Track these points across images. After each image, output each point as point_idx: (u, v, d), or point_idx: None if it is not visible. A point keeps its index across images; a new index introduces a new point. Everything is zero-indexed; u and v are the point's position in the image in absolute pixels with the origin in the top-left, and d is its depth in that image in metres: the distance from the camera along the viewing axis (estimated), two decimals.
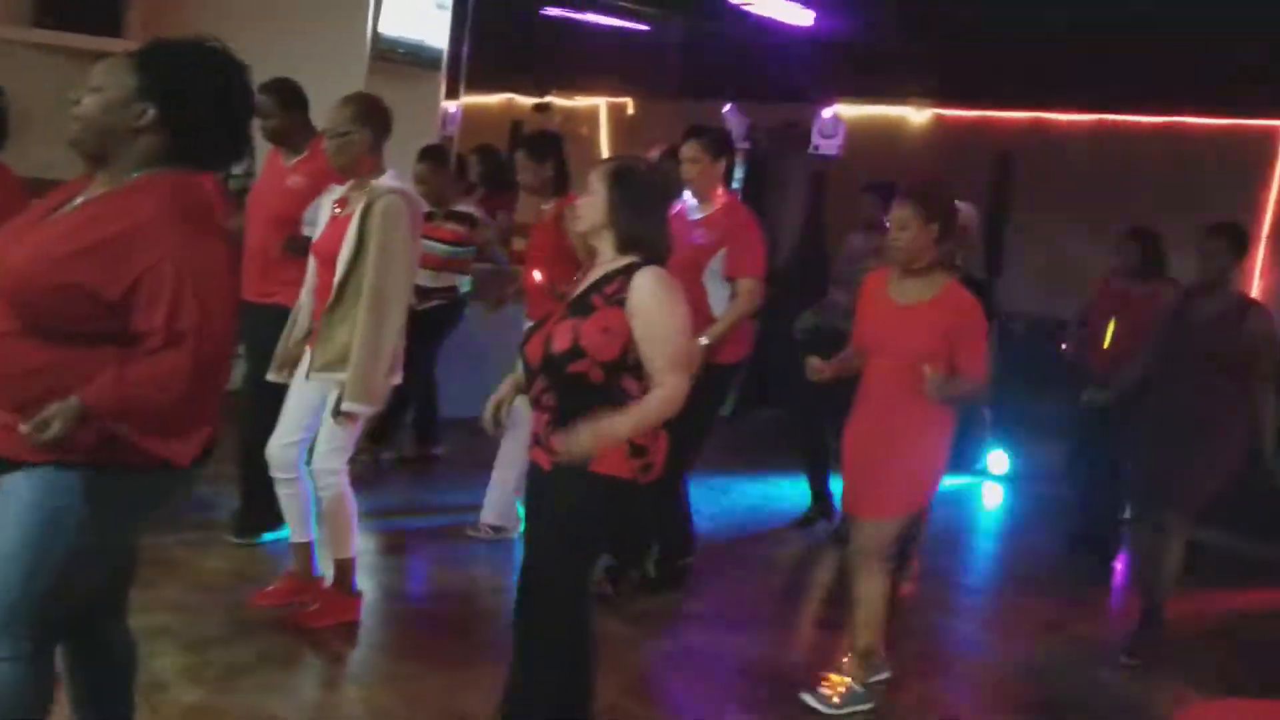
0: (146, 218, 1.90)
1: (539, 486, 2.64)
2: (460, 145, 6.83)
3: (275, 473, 3.45)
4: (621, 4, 6.56)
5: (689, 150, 3.90)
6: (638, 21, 7.17)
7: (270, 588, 3.57)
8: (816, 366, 3.39)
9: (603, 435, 2.41)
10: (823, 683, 3.39)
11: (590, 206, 2.58)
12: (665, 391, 2.46)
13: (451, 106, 6.35)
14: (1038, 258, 7.80)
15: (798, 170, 9.03)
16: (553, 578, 2.59)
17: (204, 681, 3.01)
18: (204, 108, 2.01)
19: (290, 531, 3.60)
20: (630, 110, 10.06)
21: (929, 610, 4.50)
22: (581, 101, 10.21)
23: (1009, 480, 6.83)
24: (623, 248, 2.55)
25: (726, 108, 8.24)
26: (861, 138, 8.42)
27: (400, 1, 5.83)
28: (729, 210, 4.01)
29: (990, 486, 6.80)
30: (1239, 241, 4.15)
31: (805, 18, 6.45)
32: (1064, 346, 5.84)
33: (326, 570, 3.54)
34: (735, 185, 8.62)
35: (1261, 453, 4.08)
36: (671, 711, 3.50)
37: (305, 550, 3.57)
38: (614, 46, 8.65)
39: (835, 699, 3.32)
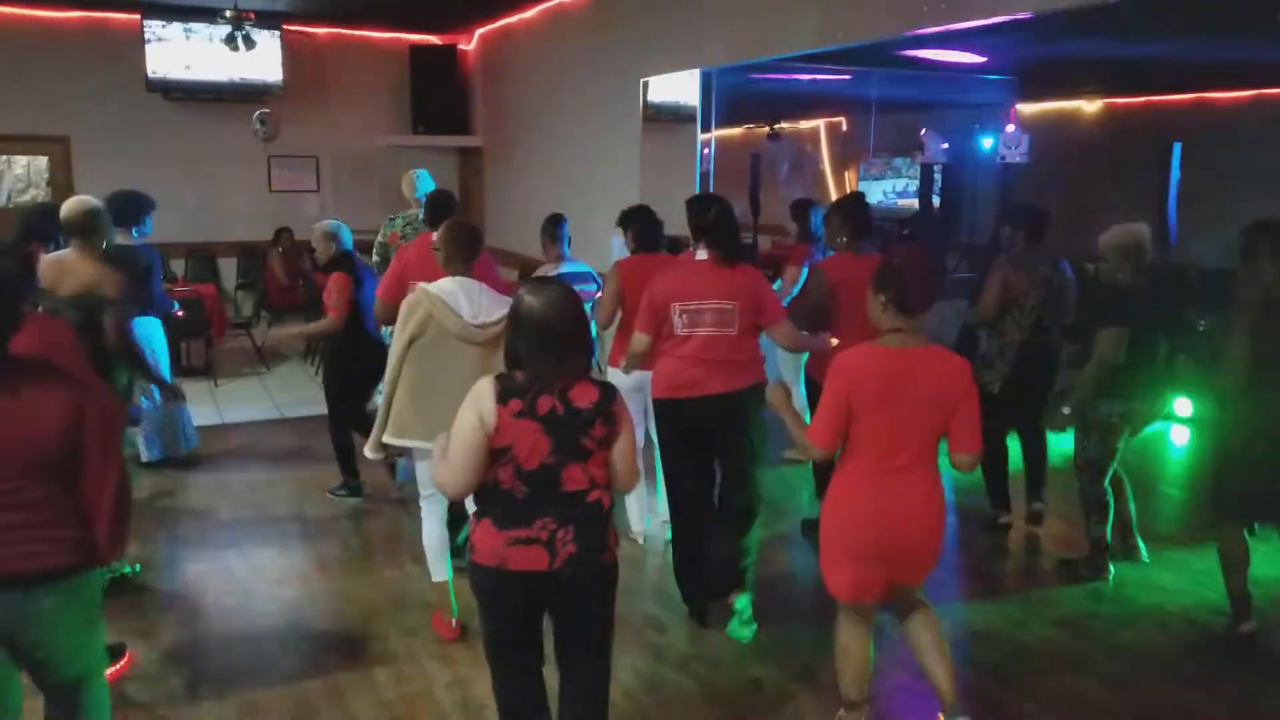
0: None
1: None
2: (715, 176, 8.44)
3: None
4: (825, 66, 8.13)
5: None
6: (840, 74, 8.75)
7: None
8: None
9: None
10: None
11: None
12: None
13: (705, 149, 7.76)
14: (1209, 219, 7.99)
15: (989, 167, 10.01)
16: None
17: None
18: None
19: None
20: (844, 127, 11.71)
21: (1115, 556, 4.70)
22: (805, 124, 12.01)
23: (1195, 422, 7.11)
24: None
25: (923, 131, 9.62)
26: (1040, 131, 9.30)
27: (661, 81, 7.93)
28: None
29: (1178, 429, 7.20)
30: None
31: (978, 59, 7.57)
32: None
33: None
34: (936, 186, 9.85)
35: None
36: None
37: None
38: (827, 80, 9.92)
39: None
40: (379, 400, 5.85)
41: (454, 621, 4.03)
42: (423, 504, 4.00)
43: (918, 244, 8.59)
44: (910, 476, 2.99)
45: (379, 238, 5.84)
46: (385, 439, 3.78)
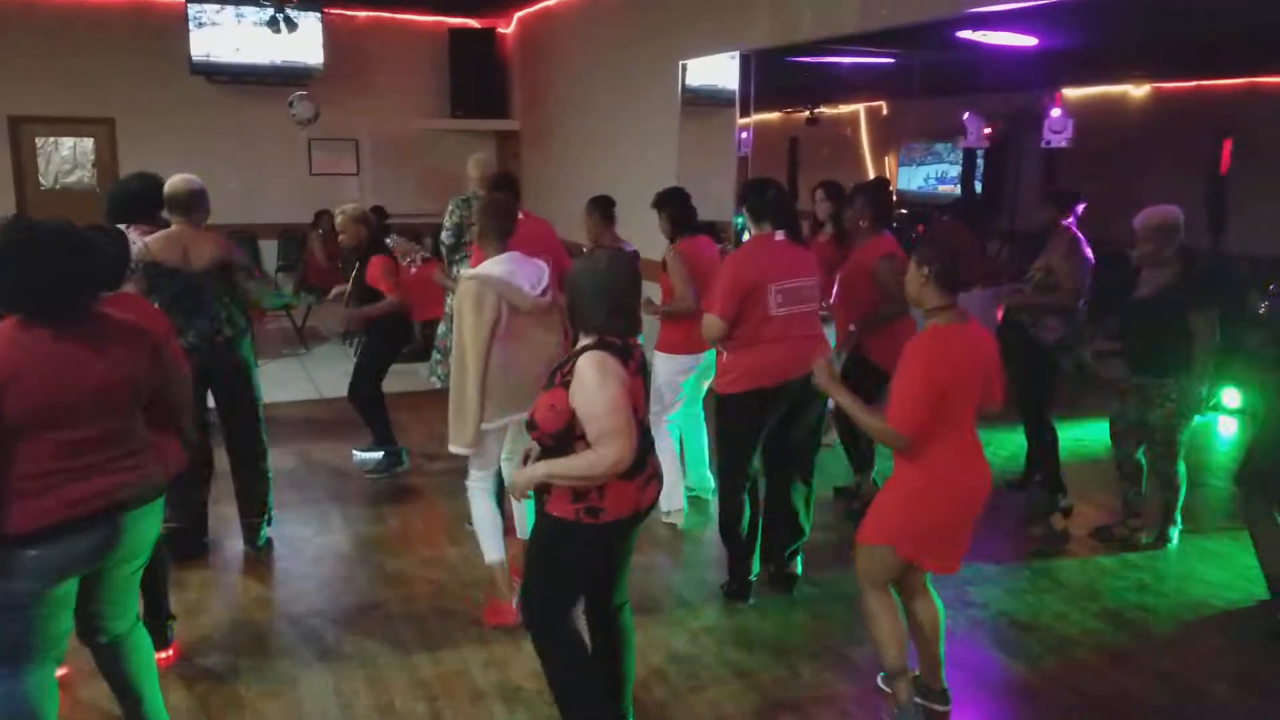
0: None
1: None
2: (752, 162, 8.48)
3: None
4: (869, 49, 8.04)
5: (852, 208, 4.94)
6: (883, 56, 8.63)
7: None
8: None
9: (528, 476, 2.78)
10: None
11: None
12: (593, 456, 2.64)
13: (743, 133, 7.70)
14: (1261, 206, 8.04)
15: (1033, 149, 9.96)
16: (530, 592, 2.89)
17: None
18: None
19: None
20: (884, 111, 11.54)
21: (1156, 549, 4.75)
22: (844, 109, 11.87)
23: (1243, 414, 7.03)
24: (576, 328, 2.81)
25: (966, 115, 9.47)
26: (1085, 116, 9.13)
27: (699, 64, 7.87)
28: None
29: (1225, 421, 7.09)
30: None
31: (1028, 40, 7.46)
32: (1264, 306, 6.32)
33: None
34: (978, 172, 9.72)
35: None
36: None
37: None
38: (867, 64, 10.15)
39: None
40: (435, 381, 6.02)
41: (514, 601, 3.87)
42: (473, 483, 3.97)
43: (959, 220, 8.47)
44: (978, 452, 3.12)
45: (452, 219, 5.79)
46: (486, 425, 3.74)
